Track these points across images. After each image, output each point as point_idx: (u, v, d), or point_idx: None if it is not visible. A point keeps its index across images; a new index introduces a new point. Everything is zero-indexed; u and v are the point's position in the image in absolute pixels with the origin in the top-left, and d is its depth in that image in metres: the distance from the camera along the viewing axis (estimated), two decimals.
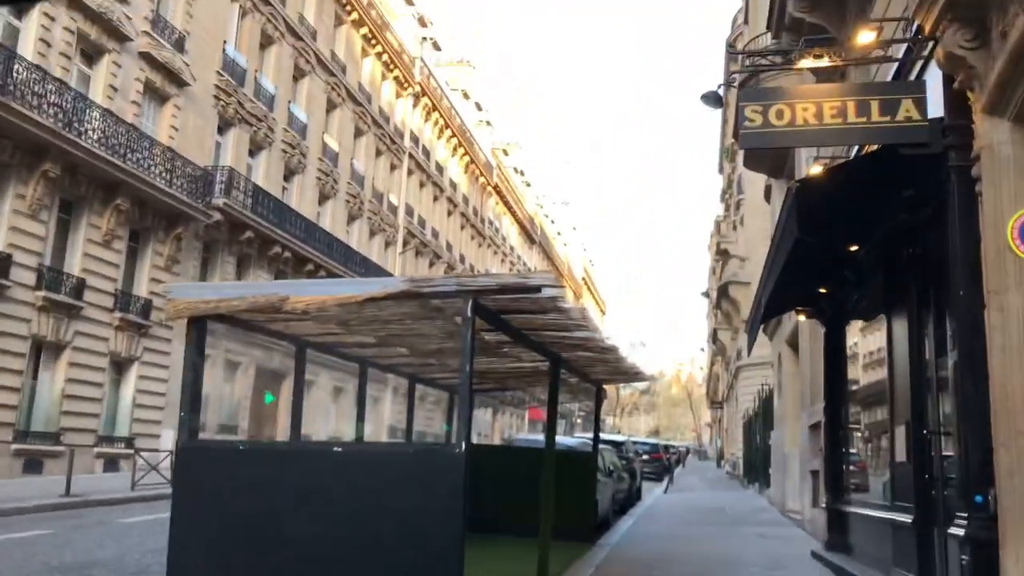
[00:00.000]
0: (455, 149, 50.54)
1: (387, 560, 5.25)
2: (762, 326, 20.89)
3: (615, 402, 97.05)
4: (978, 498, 4.88)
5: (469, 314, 5.47)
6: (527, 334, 7.07)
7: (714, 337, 55.68)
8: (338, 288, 5.54)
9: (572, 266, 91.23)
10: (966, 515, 5.06)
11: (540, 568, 8.05)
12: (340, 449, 5.62)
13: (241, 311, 5.63)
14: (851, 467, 9.93)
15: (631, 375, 10.88)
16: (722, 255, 43.96)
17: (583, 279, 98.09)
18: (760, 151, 16.37)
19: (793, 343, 16.49)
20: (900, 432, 6.85)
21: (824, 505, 10.16)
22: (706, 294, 64.09)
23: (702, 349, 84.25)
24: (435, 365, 9.44)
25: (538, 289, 5.45)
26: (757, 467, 26.12)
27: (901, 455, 6.79)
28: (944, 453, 6.03)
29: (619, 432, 61.68)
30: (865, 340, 10.13)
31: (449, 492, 5.23)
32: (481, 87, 64.92)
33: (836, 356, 10.23)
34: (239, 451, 5.95)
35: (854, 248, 7.44)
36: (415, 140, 42.67)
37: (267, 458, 5.61)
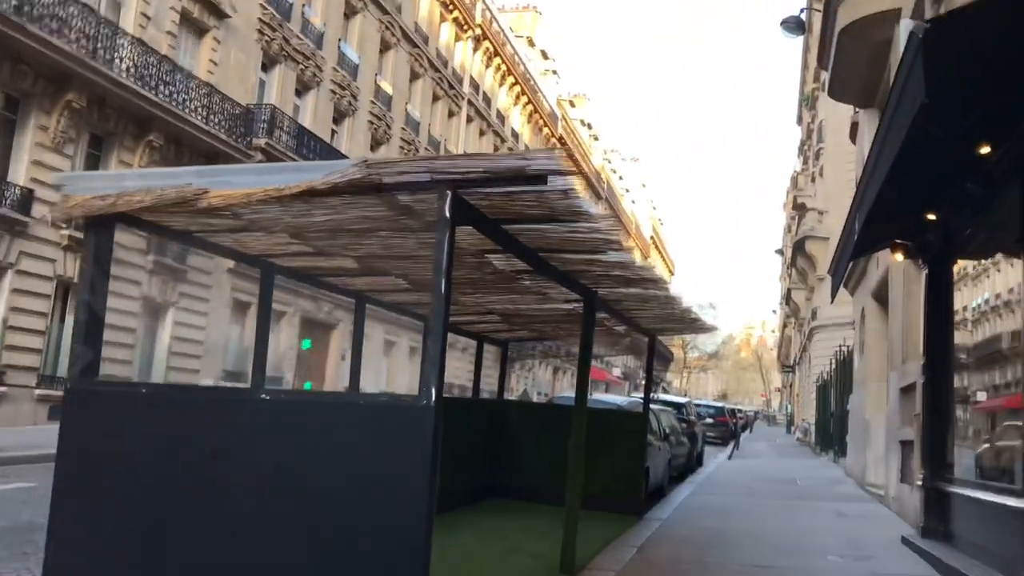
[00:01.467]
0: (518, 98, 48.61)
1: (325, 547, 3.81)
2: (844, 280, 18.88)
3: (681, 363, 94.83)
4: None
5: (447, 214, 3.92)
6: (545, 257, 5.48)
7: (787, 298, 53.02)
8: (270, 177, 4.05)
9: (640, 224, 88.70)
10: None
11: (564, 549, 6.56)
12: (268, 397, 4.15)
13: (146, 209, 4.18)
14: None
15: (688, 323, 9.19)
16: (799, 210, 41.33)
17: (651, 238, 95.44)
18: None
19: (880, 296, 14.50)
20: None
21: (919, 483, 8.38)
22: (780, 252, 61.18)
23: (774, 311, 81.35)
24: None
25: (541, 178, 3.85)
26: (831, 434, 24.12)
27: None
28: None
29: (685, 395, 59.73)
30: (977, 285, 8.22)
31: (411, 459, 3.75)
32: (548, 35, 62.53)
33: (941, 302, 8.35)
34: (140, 395, 4.56)
35: (986, 150, 5.59)
36: (475, 86, 40.93)
37: (175, 406, 4.19)
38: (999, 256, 7.41)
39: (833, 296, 10.09)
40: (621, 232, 4.91)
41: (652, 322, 9.11)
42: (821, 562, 7.40)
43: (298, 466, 3.92)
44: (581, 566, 6.79)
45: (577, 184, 3.93)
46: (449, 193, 3.92)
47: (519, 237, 4.93)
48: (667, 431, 14.05)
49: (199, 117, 20.20)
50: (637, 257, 5.54)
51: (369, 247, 5.33)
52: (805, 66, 44.02)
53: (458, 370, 34.81)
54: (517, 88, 47.95)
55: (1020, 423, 6.73)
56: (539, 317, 8.70)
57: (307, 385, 26.10)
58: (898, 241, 8.25)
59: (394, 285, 6.91)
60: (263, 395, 4.24)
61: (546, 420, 10.95)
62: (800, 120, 51.65)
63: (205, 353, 21.55)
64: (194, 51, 21.49)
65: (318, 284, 6.97)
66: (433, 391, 3.79)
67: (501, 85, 45.63)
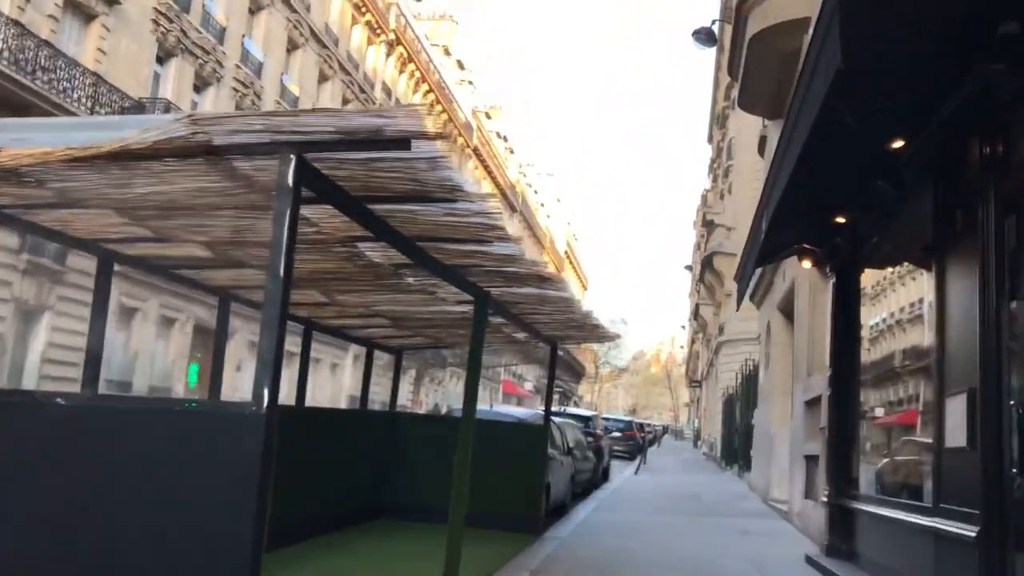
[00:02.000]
0: (431, 106, 47.91)
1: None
2: (750, 290, 18.88)
3: (593, 378, 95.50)
4: None
5: (289, 181, 3.27)
6: (425, 248, 4.86)
7: (696, 314, 53.78)
8: (76, 134, 3.30)
9: (555, 239, 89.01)
10: None
11: (446, 572, 5.91)
12: (64, 402, 3.39)
13: None
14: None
15: (590, 330, 8.70)
16: (708, 227, 41.92)
17: (566, 253, 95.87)
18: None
19: (786, 309, 14.41)
20: (957, 406, 4.73)
21: (824, 499, 8.08)
22: (689, 268, 62.18)
23: (683, 327, 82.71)
24: (329, 305, 7.20)
25: (404, 143, 3.24)
26: (736, 449, 24.19)
27: (957, 438, 4.67)
28: None
29: (595, 409, 59.76)
30: (876, 304, 8.00)
31: (237, 474, 3.06)
32: (464, 45, 62.12)
33: (848, 313, 8.09)
34: None
35: (899, 144, 5.26)
36: (387, 92, 40.10)
37: None
38: (903, 269, 7.17)
39: (739, 303, 9.79)
40: (504, 216, 4.33)
41: (553, 329, 8.59)
42: None
43: (95, 485, 3.18)
44: None
45: (443, 148, 3.32)
46: (293, 157, 3.27)
47: (390, 221, 4.29)
48: (571, 445, 13.56)
49: (84, 108, 18.84)
50: (528, 251, 4.97)
51: (215, 230, 4.60)
52: (716, 85, 44.85)
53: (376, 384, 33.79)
54: (431, 96, 47.28)
55: (922, 439, 6.50)
56: (431, 321, 8.06)
57: (192, 374, 24.40)
58: (806, 246, 7.95)
59: (258, 279, 6.16)
60: (58, 399, 3.47)
61: (441, 433, 10.27)
62: (711, 139, 52.64)
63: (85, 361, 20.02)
64: (80, 38, 20.09)
65: (173, 278, 6.16)
66: (266, 395, 3.12)
67: (415, 92, 44.92)
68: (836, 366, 8.18)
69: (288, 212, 3.24)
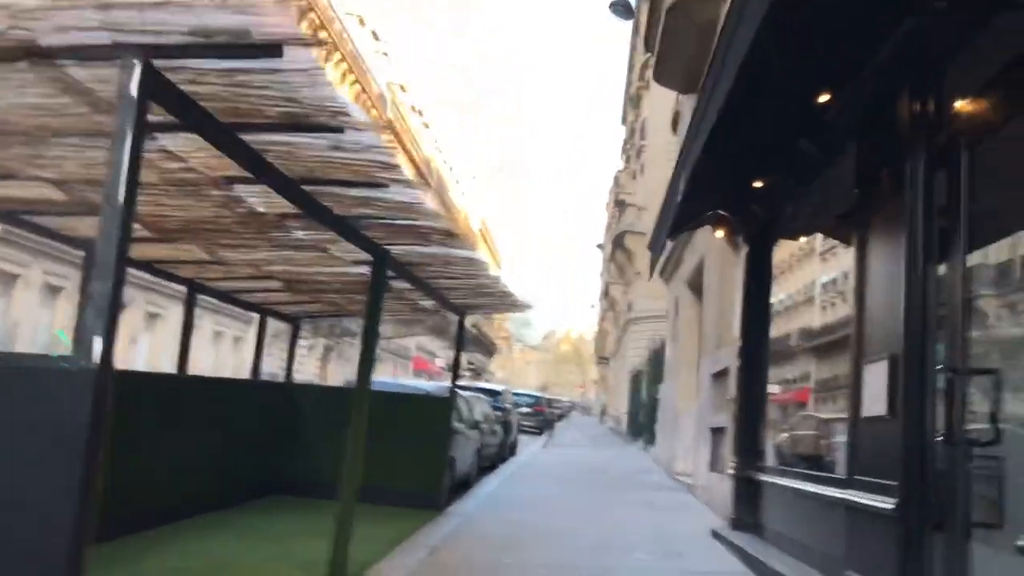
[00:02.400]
0: (344, 75, 46.55)
1: None
2: (659, 269, 18.90)
3: (505, 358, 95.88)
4: None
5: (133, 92, 2.72)
6: (312, 193, 4.34)
7: (606, 292, 54.29)
8: None
9: (470, 217, 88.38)
10: None
11: (335, 554, 5.45)
12: None
13: None
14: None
15: (501, 298, 8.29)
16: (620, 207, 42.17)
17: (480, 231, 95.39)
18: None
19: (695, 284, 14.37)
20: (876, 373, 4.52)
21: (731, 471, 7.94)
22: (601, 247, 62.71)
23: (593, 306, 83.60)
24: (214, 264, 6.56)
25: (274, 48, 2.73)
26: (641, 423, 24.38)
27: (876, 406, 4.46)
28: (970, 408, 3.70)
29: (508, 386, 59.68)
30: (792, 274, 7.89)
31: (60, 440, 2.53)
32: (380, 15, 60.54)
33: (759, 283, 7.94)
34: None
35: (825, 98, 5.01)
36: None
37: None
38: (814, 242, 7.02)
39: (651, 271, 9.58)
40: (400, 153, 3.85)
41: (462, 296, 8.16)
42: (628, 560, 6.71)
43: None
44: (357, 573, 5.71)
45: (319, 56, 2.83)
46: (137, 63, 2.72)
47: (267, 156, 3.76)
48: (478, 419, 13.20)
49: None
50: (431, 201, 4.50)
51: (64, 164, 3.97)
52: (631, 66, 45.02)
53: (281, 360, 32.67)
54: (344, 65, 45.89)
55: (824, 414, 6.40)
56: (329, 285, 7.50)
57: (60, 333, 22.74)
58: (721, 214, 7.73)
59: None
60: None
61: (340, 405, 9.70)
62: (625, 120, 52.97)
63: None
64: None
65: (29, 228, 5.44)
66: (97, 347, 2.58)
67: (327, 61, 43.49)
68: (746, 338, 8.02)
69: (130, 130, 2.70)
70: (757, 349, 7.85)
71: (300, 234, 5.41)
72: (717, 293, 10.96)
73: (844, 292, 6.30)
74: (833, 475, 5.36)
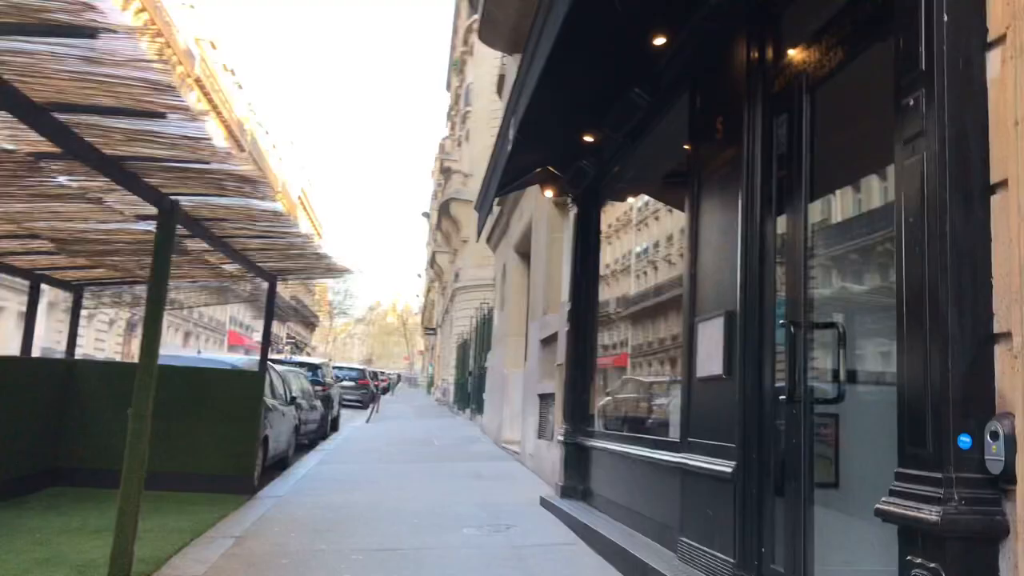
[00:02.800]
0: (145, 26, 42.90)
1: None
2: (486, 235, 18.63)
3: (327, 329, 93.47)
4: (965, 439, 2.34)
5: None
6: (70, 124, 3.52)
7: (432, 261, 53.79)
8: None
9: (288, 184, 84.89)
10: (916, 475, 2.52)
11: (115, 553, 4.67)
12: None
13: None
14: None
15: (315, 261, 7.58)
16: (445, 174, 41.65)
17: (299, 199, 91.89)
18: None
19: (523, 250, 14.19)
20: (711, 331, 4.31)
21: (560, 438, 7.73)
22: (427, 215, 62.12)
23: (419, 275, 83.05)
24: None
25: None
26: (469, 393, 24.24)
27: (712, 365, 4.25)
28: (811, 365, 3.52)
29: (330, 360, 57.98)
30: (619, 239, 7.75)
31: None
32: None
33: (587, 245, 7.72)
34: None
35: (659, 41, 4.71)
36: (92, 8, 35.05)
37: None
38: (640, 205, 6.87)
39: (479, 233, 9.17)
40: (176, 73, 3.15)
41: (271, 259, 7.40)
42: (456, 538, 6.31)
43: None
44: (144, 573, 4.95)
45: None
46: None
47: (6, 72, 2.95)
48: (295, 395, 12.39)
49: None
50: (219, 136, 3.78)
51: None
52: (455, 31, 44.44)
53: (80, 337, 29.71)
54: (144, 15, 42.25)
55: (648, 378, 6.30)
56: (110, 245, 6.51)
57: None
58: (551, 170, 7.41)
59: None
60: None
61: (130, 383, 8.67)
62: (449, 86, 52.41)
63: None
64: None
65: None
66: None
67: (125, 8, 39.81)
68: (575, 300, 7.81)
69: None
70: (585, 312, 7.65)
71: (64, 180, 4.51)
72: (545, 257, 10.75)
73: (670, 255, 6.18)
74: (666, 438, 5.18)
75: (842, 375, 3.31)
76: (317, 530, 6.46)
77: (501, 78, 18.33)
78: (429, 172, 74.70)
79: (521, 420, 12.11)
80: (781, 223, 3.83)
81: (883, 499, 2.61)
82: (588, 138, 6.38)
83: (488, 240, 19.08)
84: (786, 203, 3.78)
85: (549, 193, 7.89)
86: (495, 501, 8.11)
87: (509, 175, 6.71)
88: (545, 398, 10.14)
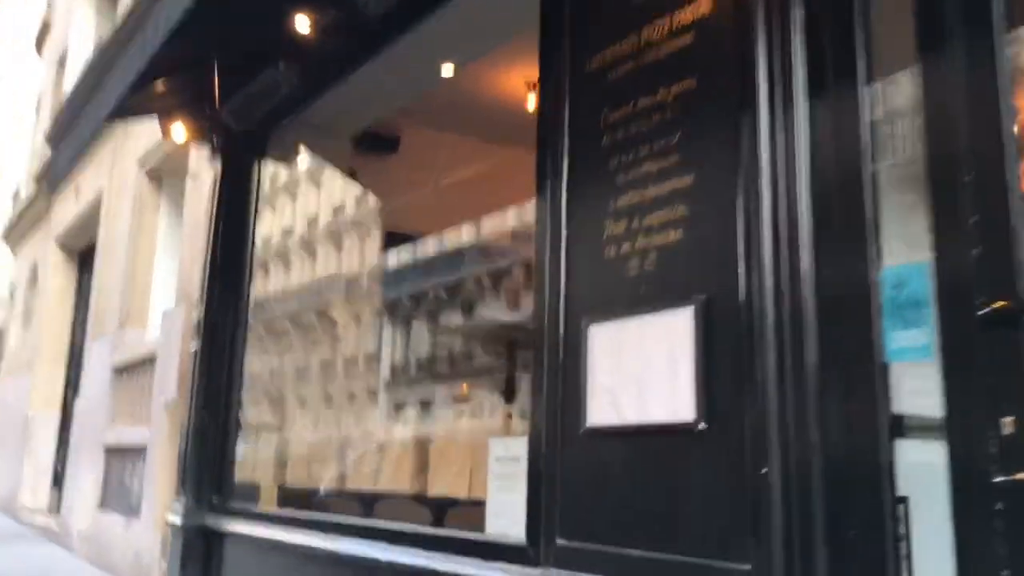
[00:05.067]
0: None
1: None
2: (3, 231, 14.12)
3: None
4: None
5: None
6: None
7: None
8: None
9: None
10: None
11: None
12: None
13: None
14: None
15: None
16: None
17: None
18: None
19: (74, 244, 10.49)
20: (649, 333, 2.29)
21: (172, 516, 4.86)
22: None
23: None
24: None
25: None
26: None
27: (650, 404, 2.23)
28: None
29: None
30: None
31: None
32: None
33: (238, 221, 5.10)
34: None
35: None
36: None
37: None
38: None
39: (55, 183, 5.82)
40: None
41: None
42: None
43: None
44: None
45: None
46: None
47: None
48: None
49: None
50: None
51: None
52: None
53: None
54: None
55: None
56: None
57: None
58: (199, 90, 4.66)
59: None
60: None
61: None
62: None
63: None
64: None
65: None
66: None
67: None
68: (210, 304, 5.08)
69: None
70: (232, 324, 4.98)
71: None
72: (127, 248, 7.59)
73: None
74: (480, 536, 2.91)
75: None
76: None
77: (45, 27, 14.04)
78: None
79: (63, 482, 8.49)
80: None
81: None
82: (294, 35, 3.85)
83: (5, 238, 14.39)
84: None
85: (180, 133, 5.06)
86: None
87: (145, 77, 3.88)
88: (117, 452, 6.96)
